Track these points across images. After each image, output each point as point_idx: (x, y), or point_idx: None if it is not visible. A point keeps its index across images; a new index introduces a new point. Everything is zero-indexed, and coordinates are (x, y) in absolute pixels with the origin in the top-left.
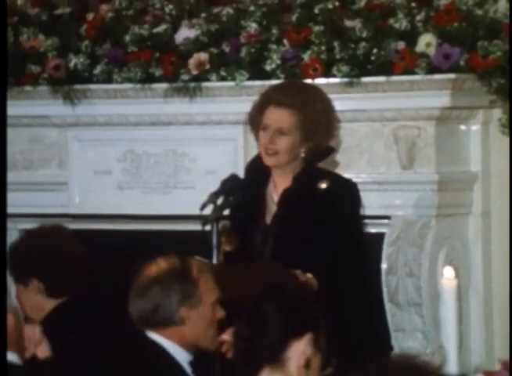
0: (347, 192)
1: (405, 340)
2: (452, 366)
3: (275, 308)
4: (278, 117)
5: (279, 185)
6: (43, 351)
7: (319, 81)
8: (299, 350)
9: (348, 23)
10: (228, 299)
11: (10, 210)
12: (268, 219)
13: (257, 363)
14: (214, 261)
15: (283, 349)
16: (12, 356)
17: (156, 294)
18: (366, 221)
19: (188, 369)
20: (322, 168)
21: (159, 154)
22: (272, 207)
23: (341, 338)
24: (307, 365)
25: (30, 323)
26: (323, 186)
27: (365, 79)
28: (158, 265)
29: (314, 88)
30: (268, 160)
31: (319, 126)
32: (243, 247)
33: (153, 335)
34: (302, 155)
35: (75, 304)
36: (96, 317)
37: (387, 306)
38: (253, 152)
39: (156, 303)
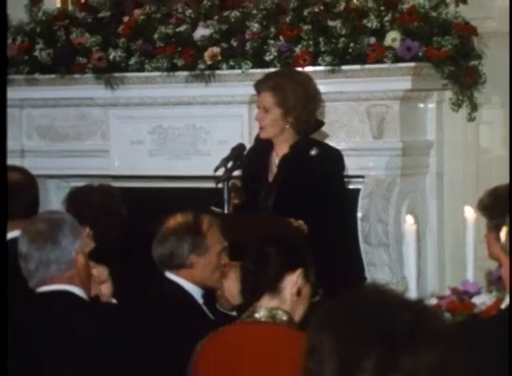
0: (334, 157)
1: (376, 272)
2: (412, 292)
3: (275, 248)
4: (262, 98)
5: (279, 152)
6: (107, 290)
7: (308, 69)
8: (292, 281)
9: (331, 22)
10: (237, 241)
11: (64, 172)
12: (271, 178)
13: (259, 292)
14: (225, 211)
15: (279, 281)
16: (80, 292)
17: (172, 243)
18: (346, 180)
19: (200, 300)
20: (313, 138)
21: (181, 128)
22: (274, 169)
23: (327, 272)
24: (298, 293)
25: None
26: (314, 152)
27: (344, 67)
28: (176, 220)
29: (291, 75)
30: (261, 134)
31: (296, 104)
32: (250, 200)
33: (171, 275)
34: (287, 126)
35: (110, 247)
36: (127, 259)
37: (362, 246)
38: (255, 126)
39: (171, 250)
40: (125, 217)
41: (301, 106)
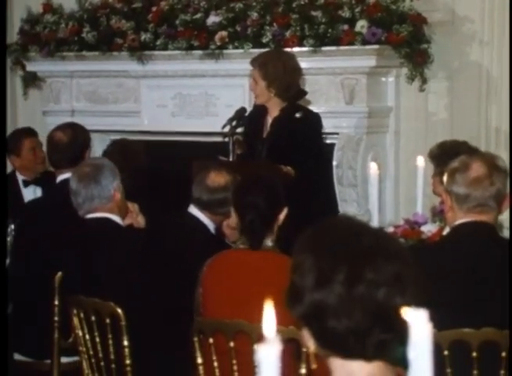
0: (314, 119)
1: (347, 207)
2: (374, 222)
3: (262, 198)
4: (253, 73)
5: (271, 114)
6: (142, 220)
7: (295, 49)
8: (281, 219)
9: (314, 13)
10: None
11: (104, 128)
12: (265, 135)
13: (260, 233)
14: (230, 159)
15: (273, 221)
16: (117, 219)
17: (222, 196)
18: (323, 136)
19: (213, 232)
20: (299, 104)
21: (197, 95)
22: (267, 128)
23: (309, 206)
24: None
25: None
26: (298, 115)
27: (323, 48)
28: (224, 177)
29: (276, 54)
30: (256, 100)
31: (277, 77)
32: (249, 151)
33: (194, 210)
34: (272, 94)
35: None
36: (154, 196)
37: (336, 187)
38: (253, 94)
39: (220, 201)
40: (145, 165)
41: (280, 79)
